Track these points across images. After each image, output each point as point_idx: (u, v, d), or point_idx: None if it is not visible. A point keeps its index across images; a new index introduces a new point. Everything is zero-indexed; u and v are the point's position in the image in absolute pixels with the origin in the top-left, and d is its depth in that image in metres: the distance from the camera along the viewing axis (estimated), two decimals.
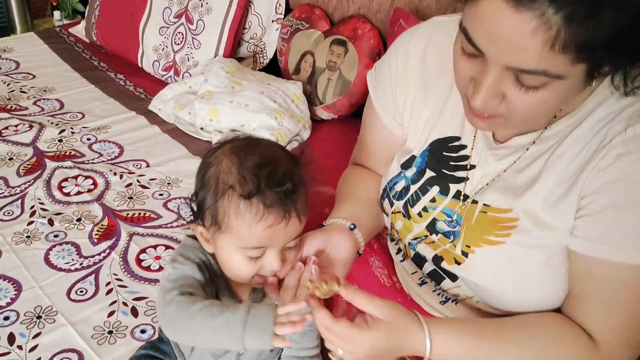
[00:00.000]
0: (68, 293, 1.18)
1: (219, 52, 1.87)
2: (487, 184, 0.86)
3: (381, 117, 0.98)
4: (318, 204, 1.16)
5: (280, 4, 1.91)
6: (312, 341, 0.87)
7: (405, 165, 0.94)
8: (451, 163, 0.90)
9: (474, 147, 0.88)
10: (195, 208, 0.79)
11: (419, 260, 0.94)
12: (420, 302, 0.98)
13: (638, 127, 0.72)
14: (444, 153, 0.90)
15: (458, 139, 0.90)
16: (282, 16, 1.91)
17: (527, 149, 0.82)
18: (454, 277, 0.88)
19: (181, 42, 1.92)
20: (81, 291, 1.18)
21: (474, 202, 0.86)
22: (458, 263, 0.86)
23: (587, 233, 0.76)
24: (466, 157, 0.89)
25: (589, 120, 0.77)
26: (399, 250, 1.00)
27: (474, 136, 0.88)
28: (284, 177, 0.73)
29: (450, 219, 0.88)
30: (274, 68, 1.95)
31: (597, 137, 0.76)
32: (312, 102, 1.78)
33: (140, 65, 2.04)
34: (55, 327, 1.10)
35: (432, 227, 0.90)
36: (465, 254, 0.85)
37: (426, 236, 0.91)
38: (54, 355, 1.05)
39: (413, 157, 0.94)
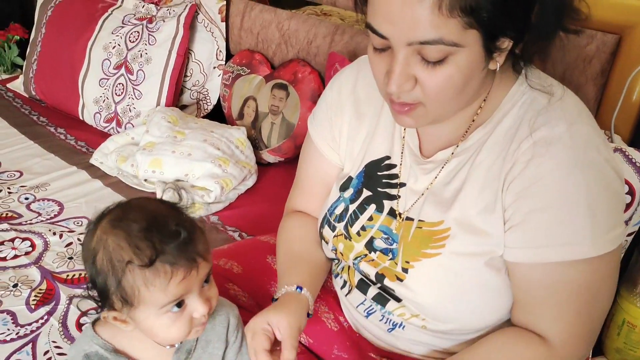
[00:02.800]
0: None
1: (160, 101, 1.86)
2: (418, 199, 0.89)
3: (320, 148, 1.03)
4: (260, 253, 1.15)
5: (220, 51, 1.91)
6: None
7: (343, 187, 0.98)
8: (383, 181, 0.93)
9: (403, 165, 0.92)
10: (97, 297, 0.76)
11: (363, 287, 0.95)
12: (367, 335, 0.99)
13: (541, 131, 0.78)
14: (377, 173, 0.94)
15: (388, 158, 0.94)
16: (224, 62, 1.92)
17: (448, 162, 0.86)
18: (397, 299, 0.89)
19: (122, 93, 1.89)
20: None
21: (409, 219, 0.89)
22: (400, 280, 0.87)
23: (518, 241, 0.79)
24: (396, 176, 0.93)
25: (501, 128, 0.82)
26: (344, 283, 1.00)
27: (402, 154, 0.92)
28: (176, 229, 0.72)
29: (386, 237, 0.90)
30: (218, 114, 1.94)
31: (507, 144, 0.80)
32: (258, 146, 1.78)
33: (81, 117, 2.00)
34: None
35: (370, 245, 0.92)
36: (405, 270, 0.86)
37: (366, 254, 0.92)
38: None
39: (350, 179, 0.97)
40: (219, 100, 1.94)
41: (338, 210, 0.98)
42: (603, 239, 0.76)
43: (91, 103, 1.95)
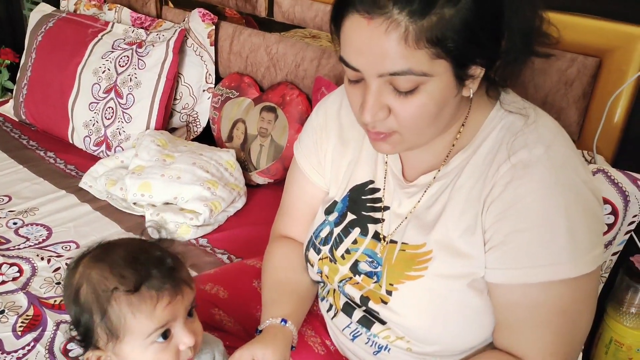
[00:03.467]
0: None
1: (150, 124, 1.86)
2: (402, 223, 0.90)
3: (305, 172, 1.04)
4: (246, 277, 1.15)
5: (210, 74, 1.93)
6: None
7: (328, 211, 0.99)
8: (367, 204, 0.95)
9: (386, 189, 0.93)
10: (80, 337, 0.76)
11: (348, 310, 0.95)
12: (354, 359, 0.99)
13: (519, 154, 0.79)
14: (362, 197, 0.96)
15: (372, 182, 0.95)
16: (213, 85, 1.93)
17: (430, 186, 0.87)
18: (382, 321, 0.89)
19: (112, 116, 1.90)
20: None
21: (393, 242, 0.90)
22: (385, 302, 0.87)
23: (498, 263, 0.80)
24: (379, 199, 0.94)
25: (480, 152, 0.83)
26: (330, 306, 1.01)
27: (385, 178, 0.94)
28: (160, 256, 0.75)
29: (371, 260, 0.91)
30: (208, 136, 1.95)
31: (486, 168, 0.82)
32: (247, 168, 1.78)
33: (71, 141, 2.01)
34: None
35: (355, 268, 0.93)
36: (389, 293, 0.87)
37: (351, 277, 0.93)
38: None
39: (335, 203, 0.99)
40: (208, 122, 1.96)
41: (323, 234, 0.98)
42: (583, 260, 0.77)
43: (81, 127, 1.96)
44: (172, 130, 1.94)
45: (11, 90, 2.40)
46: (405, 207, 0.90)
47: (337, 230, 0.96)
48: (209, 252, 1.52)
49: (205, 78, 1.93)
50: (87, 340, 0.76)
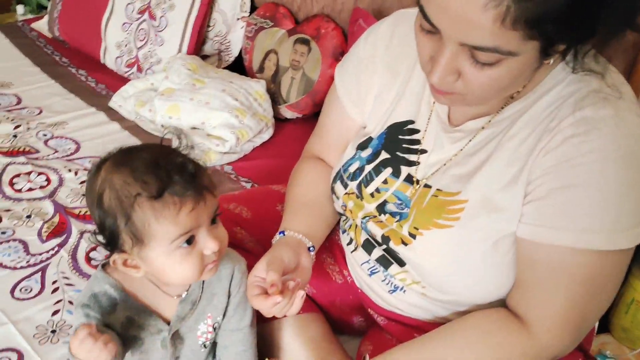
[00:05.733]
0: (12, 291, 1.14)
1: (182, 49, 1.85)
2: (439, 168, 0.86)
3: (343, 103, 1.00)
4: (270, 200, 1.15)
5: (245, 2, 1.89)
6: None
7: (362, 146, 0.95)
8: (404, 146, 0.91)
9: (427, 131, 0.89)
10: (106, 241, 0.76)
11: (368, 247, 0.94)
12: (370, 293, 0.99)
13: (585, 110, 0.73)
14: (399, 136, 0.92)
15: (412, 122, 0.91)
16: (247, 14, 1.90)
17: (478, 133, 0.83)
18: (401, 262, 0.89)
19: (144, 38, 1.89)
20: (26, 289, 1.15)
21: (427, 186, 0.87)
22: (405, 244, 0.86)
23: (532, 218, 0.76)
24: (418, 141, 0.90)
25: (540, 104, 0.78)
26: (350, 240, 1.00)
27: (428, 120, 0.89)
28: (183, 162, 0.73)
29: (400, 202, 0.89)
30: (239, 66, 1.93)
31: (546, 121, 0.76)
32: (276, 101, 1.77)
33: (102, 61, 2.01)
34: None
35: (381, 208, 0.90)
36: (412, 236, 0.85)
37: (375, 216, 0.91)
38: None
39: (370, 139, 0.95)
40: (240, 52, 1.93)
41: (352, 168, 0.96)
42: (622, 235, 0.72)
43: (113, 47, 1.95)
44: (204, 58, 1.92)
45: (46, 7, 2.39)
46: (447, 152, 0.86)
47: (368, 167, 0.93)
48: (233, 179, 1.53)
49: (240, 6, 1.89)
50: (112, 244, 0.76)
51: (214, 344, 0.92)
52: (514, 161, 0.78)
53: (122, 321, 0.81)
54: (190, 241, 0.75)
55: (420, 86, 0.91)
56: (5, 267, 1.20)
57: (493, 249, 0.79)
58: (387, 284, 0.93)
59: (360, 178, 0.94)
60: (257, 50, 1.83)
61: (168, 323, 0.84)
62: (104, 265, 0.83)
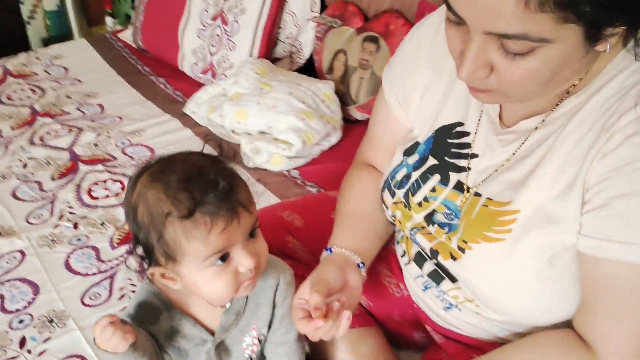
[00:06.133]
0: (82, 297, 1.19)
1: (253, 52, 1.85)
2: (490, 175, 0.78)
3: (390, 104, 0.94)
4: (325, 208, 1.11)
5: (315, 2, 1.86)
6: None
7: (408, 152, 0.90)
8: (453, 150, 0.83)
9: (478, 134, 0.81)
10: (143, 254, 0.75)
11: (419, 260, 0.88)
12: (425, 309, 0.93)
13: None
14: (448, 140, 0.85)
15: (460, 124, 0.83)
16: (318, 14, 1.86)
17: (531, 134, 0.74)
18: (453, 278, 0.82)
19: (217, 44, 1.91)
20: (95, 296, 1.19)
21: (477, 194, 0.79)
22: (454, 258, 0.79)
23: (593, 230, 0.67)
24: (468, 145, 0.82)
25: (597, 98, 0.68)
26: (404, 253, 0.94)
27: (479, 121, 0.81)
28: (215, 179, 0.70)
29: (449, 212, 0.82)
30: (310, 68, 1.90)
31: (604, 117, 0.67)
32: (346, 102, 1.72)
33: (180, 68, 2.06)
34: (64, 332, 1.12)
35: (429, 218, 0.84)
36: (462, 250, 0.78)
37: (423, 227, 0.85)
38: None
39: (417, 144, 0.89)
40: (311, 53, 1.90)
41: (399, 176, 0.90)
42: None
43: (189, 54, 1.99)
44: (275, 60, 1.91)
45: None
46: (498, 157, 0.78)
47: (415, 174, 0.87)
48: (299, 184, 1.50)
49: (310, 6, 1.86)
50: (148, 257, 0.75)
51: (263, 357, 0.90)
52: (568, 165, 0.69)
53: (167, 332, 0.81)
54: (224, 258, 0.73)
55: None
56: (78, 273, 1.25)
57: (549, 265, 0.71)
58: (442, 300, 0.87)
59: (407, 186, 0.88)
60: (326, 50, 1.79)
61: (213, 334, 0.83)
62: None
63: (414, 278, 0.92)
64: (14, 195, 1.47)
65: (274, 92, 1.62)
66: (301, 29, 1.89)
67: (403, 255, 0.95)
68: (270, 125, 1.59)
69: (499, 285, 0.75)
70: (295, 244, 1.04)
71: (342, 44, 1.73)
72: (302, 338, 0.90)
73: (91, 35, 2.48)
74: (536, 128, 0.74)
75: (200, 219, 0.69)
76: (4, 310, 1.16)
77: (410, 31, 0.94)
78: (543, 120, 0.73)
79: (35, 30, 2.71)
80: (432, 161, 0.86)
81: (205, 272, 0.73)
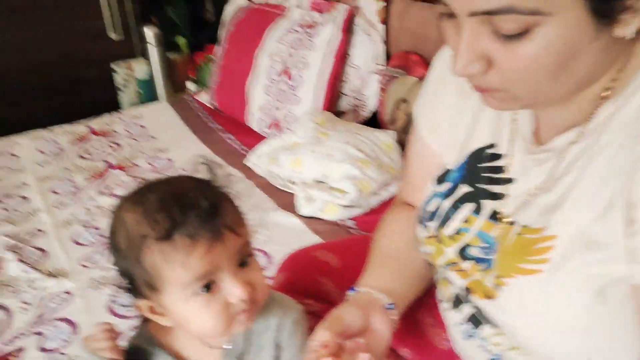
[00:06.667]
0: None
1: (317, 106, 1.84)
2: (526, 201, 0.68)
3: (421, 133, 0.88)
4: (366, 249, 1.02)
5: (379, 55, 1.84)
6: None
7: (439, 180, 0.81)
8: (485, 175, 0.74)
9: (511, 156, 0.72)
10: (128, 286, 0.69)
11: (457, 302, 0.78)
12: None
13: None
14: (478, 165, 0.76)
15: (492, 146, 0.75)
16: (382, 66, 1.84)
17: (568, 150, 0.64)
18: (494, 323, 0.71)
19: (283, 99, 1.93)
20: None
21: (511, 223, 0.69)
22: (489, 298, 0.69)
23: None
24: (501, 169, 0.73)
25: (636, 99, 0.58)
26: (442, 296, 0.84)
27: (511, 142, 0.72)
28: (196, 199, 0.63)
29: (485, 246, 0.71)
30: (376, 121, 1.86)
31: None
32: None
33: (248, 124, 2.09)
34: None
35: (463, 253, 0.74)
36: (497, 287, 0.67)
37: (455, 263, 0.75)
38: None
39: (447, 172, 0.81)
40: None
41: (430, 207, 0.82)
42: None
43: (257, 110, 2.02)
44: (340, 114, 1.89)
45: None
46: (533, 179, 0.69)
47: (445, 204, 0.79)
48: (354, 233, 1.43)
49: (374, 58, 1.84)
50: (133, 289, 0.70)
51: None
52: (607, 180, 0.58)
53: None
54: (209, 287, 0.66)
55: None
56: (119, 316, 1.23)
57: (599, 299, 0.59)
58: (484, 350, 0.74)
59: (438, 218, 0.78)
60: (388, 100, 1.75)
61: None
62: (144, 319, 0.77)
63: (454, 325, 0.81)
64: (73, 240, 1.51)
65: (330, 141, 1.58)
66: (365, 81, 1.87)
67: (442, 300, 0.84)
68: (325, 174, 1.54)
69: (542, 327, 0.63)
70: (329, 285, 0.96)
71: (404, 92, 1.68)
72: None
73: (174, 99, 2.61)
74: (573, 143, 0.64)
75: (180, 240, 0.63)
76: (43, 349, 1.15)
77: (433, 60, 0.89)
78: (581, 132, 0.63)
79: (127, 97, 2.91)
80: (463, 189, 0.77)
81: (191, 304, 0.66)
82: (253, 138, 2.03)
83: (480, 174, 0.75)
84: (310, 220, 1.50)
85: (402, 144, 1.65)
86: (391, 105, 1.73)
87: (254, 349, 0.76)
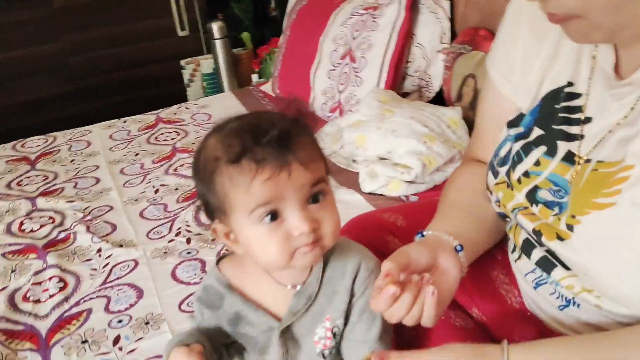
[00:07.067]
0: (180, 304, 1.17)
1: (380, 86, 1.81)
2: (604, 137, 0.64)
3: (494, 82, 0.84)
4: (432, 210, 0.98)
5: (444, 33, 1.79)
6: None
7: (512, 124, 0.78)
8: (561, 115, 0.70)
9: (590, 95, 0.68)
10: (205, 210, 0.72)
11: (527, 248, 0.74)
12: (541, 315, 0.77)
13: None
14: (555, 105, 0.72)
15: (570, 84, 0.71)
16: (448, 45, 1.79)
17: None
18: (566, 266, 0.67)
19: (345, 82, 1.91)
20: (191, 303, 1.16)
21: (587, 161, 0.65)
22: (561, 239, 0.64)
23: None
24: (579, 109, 0.68)
25: None
26: (514, 246, 0.80)
27: (590, 79, 0.68)
28: (271, 127, 0.64)
29: (557, 189, 0.67)
30: (441, 101, 1.81)
31: None
32: None
33: (311, 110, 2.08)
34: (157, 334, 1.10)
35: (532, 196, 0.70)
36: (570, 227, 0.63)
37: (526, 207, 0.71)
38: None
39: (521, 116, 0.77)
40: (441, 87, 1.81)
41: (502, 152, 0.78)
42: None
43: (320, 94, 2.01)
44: (404, 95, 1.85)
45: None
46: (612, 115, 0.64)
47: (516, 146, 0.75)
48: None
49: (440, 37, 1.80)
50: (209, 212, 0.71)
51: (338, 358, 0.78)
52: None
53: (231, 316, 0.75)
54: (275, 217, 0.65)
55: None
56: (182, 282, 1.24)
57: None
58: (557, 296, 0.69)
59: (510, 162, 0.75)
60: (455, 77, 1.69)
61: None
62: (219, 260, 0.79)
63: (524, 275, 0.77)
64: (141, 215, 1.54)
65: (395, 117, 1.55)
66: (430, 61, 1.82)
67: (513, 251, 0.80)
68: (389, 150, 1.50)
69: (618, 263, 0.58)
70: (396, 243, 0.92)
71: (472, 68, 1.62)
72: (387, 339, 0.76)
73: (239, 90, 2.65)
74: None
75: (246, 165, 0.63)
76: (107, 311, 1.17)
77: (506, 10, 0.85)
78: None
79: (194, 91, 2.97)
80: (537, 132, 0.73)
81: (254, 231, 0.66)
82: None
83: (556, 115, 0.71)
84: (373, 196, 1.47)
85: (468, 120, 1.59)
86: (458, 82, 1.67)
87: (326, 293, 0.74)
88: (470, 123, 1.58)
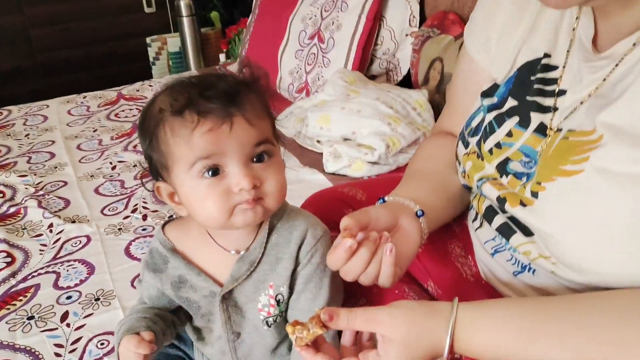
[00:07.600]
0: (132, 281, 1.13)
1: (348, 68, 1.78)
2: (576, 108, 0.63)
3: (470, 52, 0.84)
4: (393, 185, 0.97)
5: (414, 16, 1.77)
6: None
7: (486, 94, 0.77)
8: (536, 87, 0.69)
9: (567, 67, 0.67)
10: (148, 168, 0.70)
11: (489, 215, 0.74)
12: (495, 283, 0.77)
13: None
14: (531, 77, 0.71)
15: (547, 56, 0.70)
16: (417, 29, 1.77)
17: (628, 54, 0.59)
18: (526, 231, 0.66)
19: (313, 62, 1.88)
20: None
21: (558, 130, 0.64)
22: (524, 205, 0.64)
23: None
24: (554, 81, 0.68)
25: None
26: (475, 215, 0.80)
27: (568, 52, 0.67)
28: (217, 82, 0.63)
29: (527, 160, 0.67)
30: (408, 85, 1.79)
31: None
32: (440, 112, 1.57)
33: (278, 90, 2.05)
34: (107, 310, 1.06)
35: (502, 168, 0.69)
36: (534, 195, 0.62)
37: (495, 178, 0.70)
38: (94, 336, 1.00)
39: (495, 86, 0.76)
40: (409, 70, 1.80)
41: (474, 122, 0.77)
42: None
43: (286, 75, 1.98)
44: (372, 78, 1.83)
45: None
46: (586, 87, 0.64)
47: (489, 116, 0.74)
48: None
49: (409, 20, 1.78)
50: (151, 169, 0.70)
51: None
52: None
53: (174, 280, 0.74)
54: (216, 172, 0.63)
55: (558, 14, 0.70)
56: (135, 258, 1.21)
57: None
58: (514, 263, 0.70)
59: (481, 132, 0.74)
60: (422, 61, 1.68)
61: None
62: (165, 224, 0.78)
63: (483, 243, 0.76)
64: (97, 191, 1.49)
65: (360, 98, 1.53)
66: (399, 44, 1.81)
67: (474, 219, 0.80)
68: (353, 131, 1.48)
69: (579, 231, 0.57)
70: None
71: (439, 52, 1.61)
72: None
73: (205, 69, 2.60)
74: (634, 44, 0.59)
75: (188, 116, 0.62)
76: (56, 287, 1.13)
77: None
78: None
79: (159, 70, 2.91)
80: (511, 102, 0.72)
81: (195, 185, 0.64)
82: (282, 104, 1.98)
83: (531, 86, 0.71)
84: (336, 177, 1.45)
85: (434, 103, 1.58)
86: (425, 66, 1.66)
87: (270, 260, 0.72)
88: (436, 106, 1.58)
